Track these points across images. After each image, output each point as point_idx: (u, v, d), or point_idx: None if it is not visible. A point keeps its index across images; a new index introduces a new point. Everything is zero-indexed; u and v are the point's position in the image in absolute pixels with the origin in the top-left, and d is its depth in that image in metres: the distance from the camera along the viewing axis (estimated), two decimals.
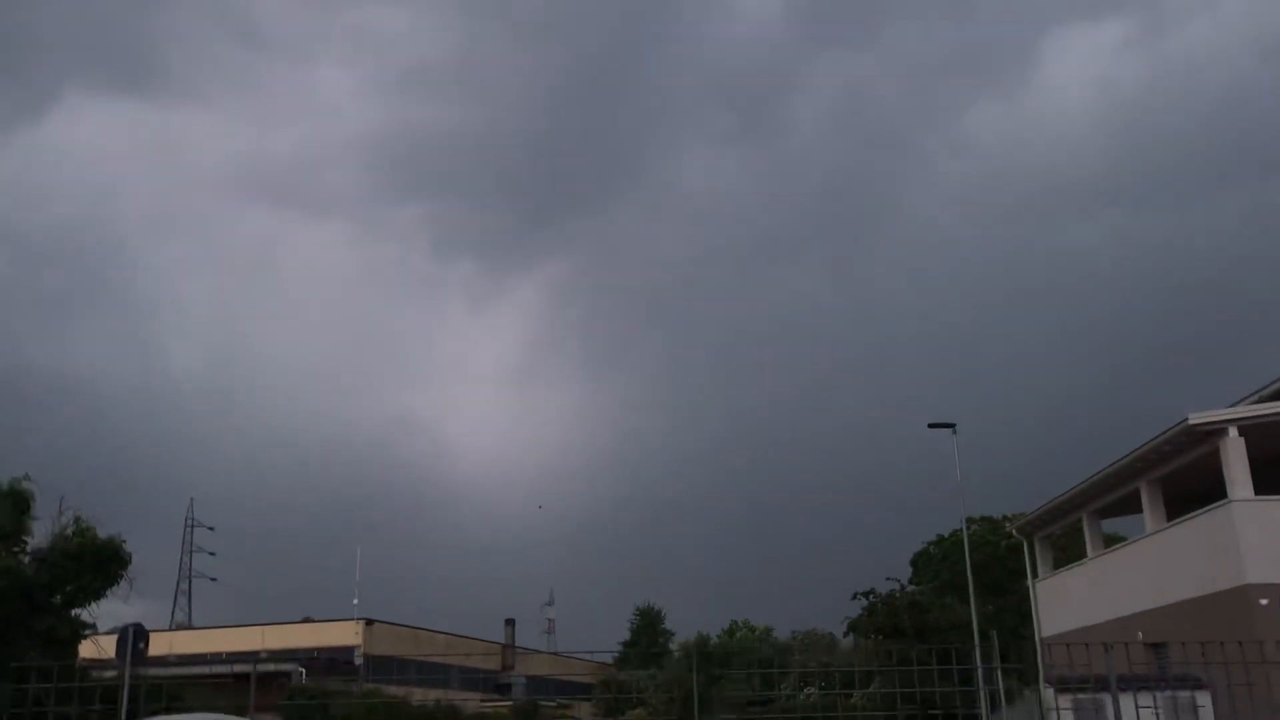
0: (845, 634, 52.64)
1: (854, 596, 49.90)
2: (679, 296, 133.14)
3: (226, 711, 15.46)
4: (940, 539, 52.42)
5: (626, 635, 68.90)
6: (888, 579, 49.45)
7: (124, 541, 24.85)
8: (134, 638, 17.50)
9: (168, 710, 17.46)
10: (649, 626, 69.10)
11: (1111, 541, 33.01)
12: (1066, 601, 31.98)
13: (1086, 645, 15.14)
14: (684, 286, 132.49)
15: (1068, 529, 34.75)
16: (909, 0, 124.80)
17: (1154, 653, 23.65)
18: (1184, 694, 18.44)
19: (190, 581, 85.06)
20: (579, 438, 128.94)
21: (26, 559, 23.80)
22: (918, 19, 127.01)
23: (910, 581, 50.00)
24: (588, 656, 54.22)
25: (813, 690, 39.67)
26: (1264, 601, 21.36)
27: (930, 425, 35.77)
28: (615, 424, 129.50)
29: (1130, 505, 28.79)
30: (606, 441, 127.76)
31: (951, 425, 35.44)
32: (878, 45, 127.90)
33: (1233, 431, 22.90)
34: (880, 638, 42.40)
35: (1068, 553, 37.23)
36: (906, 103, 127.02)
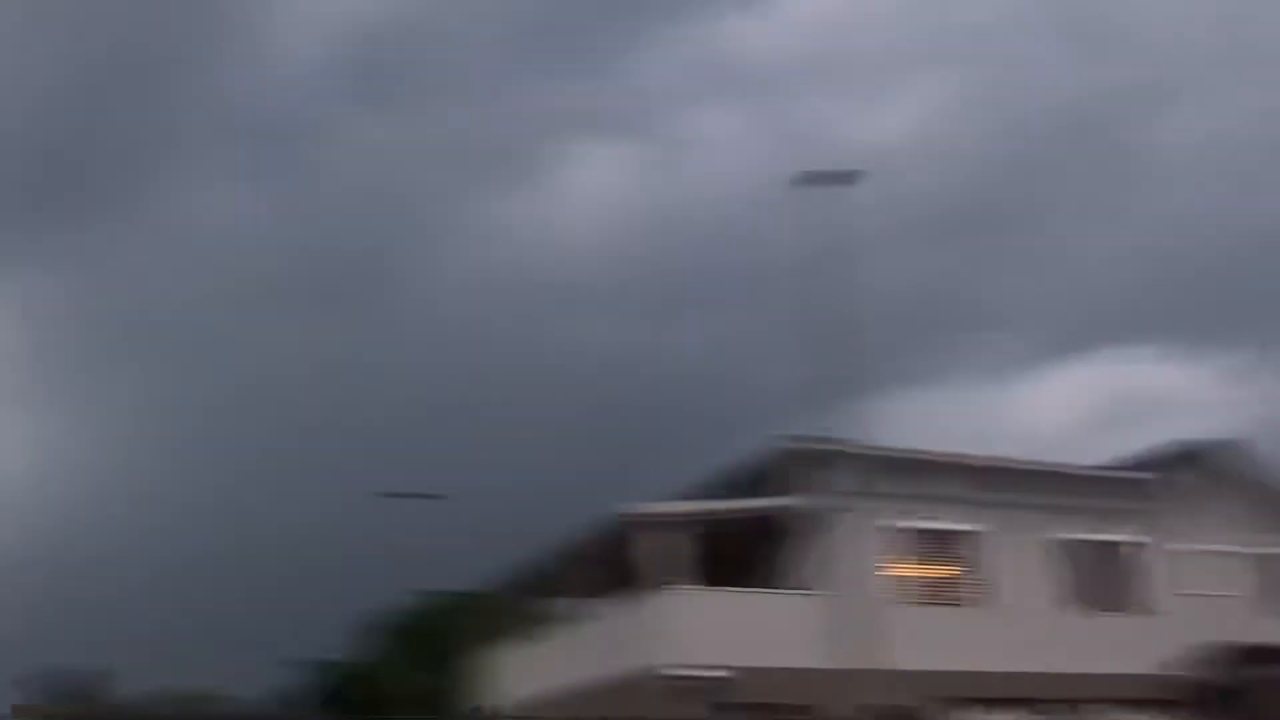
0: None
1: None
2: (178, 334, 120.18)
3: None
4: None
5: None
6: None
7: None
8: None
9: None
10: None
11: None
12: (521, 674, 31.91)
13: None
14: (185, 325, 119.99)
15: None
16: (447, 75, 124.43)
17: None
18: None
19: None
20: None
21: None
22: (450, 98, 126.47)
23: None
24: None
25: None
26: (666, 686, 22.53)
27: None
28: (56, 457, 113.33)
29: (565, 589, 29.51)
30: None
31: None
32: (414, 114, 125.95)
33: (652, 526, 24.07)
34: None
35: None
36: (424, 179, 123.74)
